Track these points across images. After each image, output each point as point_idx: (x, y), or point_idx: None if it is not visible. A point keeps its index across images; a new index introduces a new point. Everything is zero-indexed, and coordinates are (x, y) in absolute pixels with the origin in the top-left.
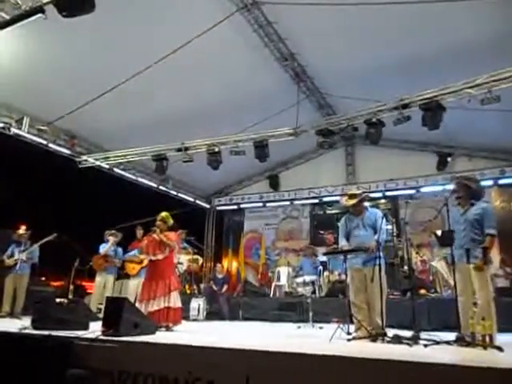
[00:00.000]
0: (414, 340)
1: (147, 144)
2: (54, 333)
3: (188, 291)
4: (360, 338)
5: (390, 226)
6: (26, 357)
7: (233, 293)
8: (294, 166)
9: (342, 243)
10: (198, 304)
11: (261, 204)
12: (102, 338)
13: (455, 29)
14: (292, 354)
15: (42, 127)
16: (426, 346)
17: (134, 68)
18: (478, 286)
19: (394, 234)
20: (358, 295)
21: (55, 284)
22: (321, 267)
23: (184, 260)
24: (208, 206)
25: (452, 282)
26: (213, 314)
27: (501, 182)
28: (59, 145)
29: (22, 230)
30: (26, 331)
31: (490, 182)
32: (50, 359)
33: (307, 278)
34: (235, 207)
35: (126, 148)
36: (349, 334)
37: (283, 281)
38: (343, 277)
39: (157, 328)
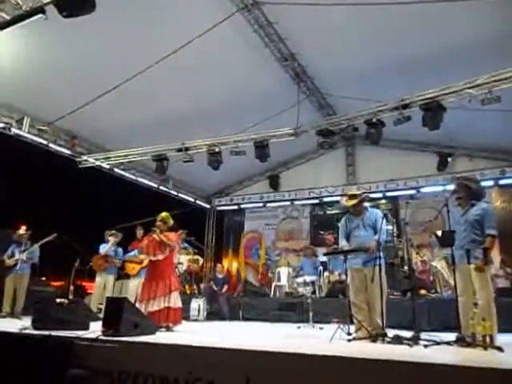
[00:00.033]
0: (415, 340)
1: (147, 144)
2: (55, 333)
3: (188, 291)
4: (360, 339)
5: (390, 227)
6: (26, 357)
7: (233, 293)
8: (295, 167)
9: (342, 243)
10: (198, 304)
11: (261, 204)
12: (102, 338)
13: (455, 29)
14: (292, 354)
15: (42, 127)
16: (426, 346)
17: (135, 68)
18: (478, 286)
19: (395, 235)
20: (358, 295)
21: (55, 284)
22: (321, 267)
23: (184, 260)
24: (208, 206)
25: (452, 283)
26: (213, 315)
27: (501, 182)
28: (60, 145)
29: (23, 230)
30: (27, 331)
31: (491, 183)
32: (51, 359)
33: (307, 279)
34: (235, 207)
35: (126, 148)
36: (349, 334)
37: (283, 281)
38: (343, 277)
39: (157, 328)
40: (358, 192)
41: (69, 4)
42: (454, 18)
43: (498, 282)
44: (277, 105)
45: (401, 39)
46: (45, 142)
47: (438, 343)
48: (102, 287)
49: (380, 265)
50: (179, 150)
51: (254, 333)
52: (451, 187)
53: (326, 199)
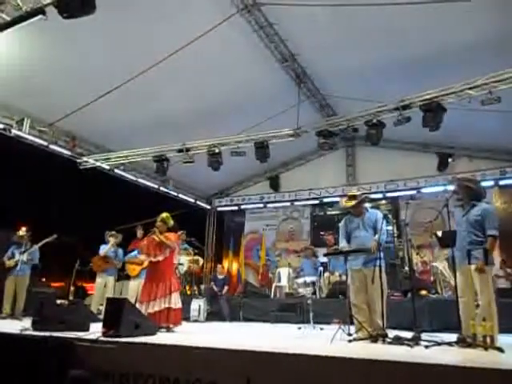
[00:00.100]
0: (415, 341)
1: (148, 145)
2: (55, 334)
3: (188, 292)
4: (361, 339)
5: (390, 227)
6: (26, 358)
7: (233, 294)
8: (295, 167)
9: (342, 244)
10: (198, 305)
11: (261, 205)
12: (102, 339)
13: (455, 29)
14: (292, 354)
15: (42, 128)
16: (426, 347)
17: (135, 69)
18: (479, 287)
19: (395, 235)
20: (359, 296)
21: (56, 285)
22: (321, 268)
23: (185, 261)
24: (209, 207)
25: (453, 283)
26: (213, 315)
27: (502, 182)
28: (60, 146)
29: (23, 231)
30: (27, 332)
31: (491, 183)
32: (51, 360)
33: (308, 279)
34: (236, 208)
35: (126, 149)
36: (349, 335)
37: (284, 282)
38: (344, 278)
39: (157, 329)
40: (358, 193)
41: (69, 5)
42: (454, 19)
43: (498, 283)
44: (277, 105)
45: (401, 40)
46: (45, 143)
47: (438, 344)
48: (102, 288)
49: (380, 265)
50: (180, 151)
51: (254, 333)
52: (451, 188)
53: (326, 200)
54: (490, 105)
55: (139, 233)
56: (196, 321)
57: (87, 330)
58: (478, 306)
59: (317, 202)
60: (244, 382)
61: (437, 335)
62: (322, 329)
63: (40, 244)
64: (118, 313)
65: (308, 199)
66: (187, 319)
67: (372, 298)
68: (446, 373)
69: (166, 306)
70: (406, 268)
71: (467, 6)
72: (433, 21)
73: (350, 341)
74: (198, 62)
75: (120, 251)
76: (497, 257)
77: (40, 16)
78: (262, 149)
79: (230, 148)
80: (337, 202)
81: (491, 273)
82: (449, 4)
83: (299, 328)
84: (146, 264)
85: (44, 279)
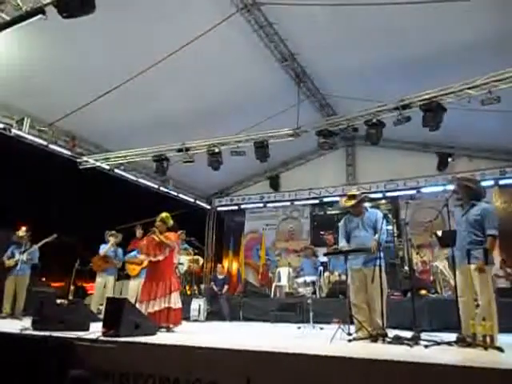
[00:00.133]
0: (415, 341)
1: (148, 145)
2: (55, 334)
3: (188, 292)
4: (361, 339)
5: (390, 227)
6: (26, 357)
7: (233, 293)
8: (295, 167)
9: (342, 244)
10: (198, 304)
11: (261, 204)
12: (102, 338)
13: (455, 29)
14: (292, 354)
15: (42, 128)
16: (426, 346)
17: (135, 68)
18: (479, 286)
19: (395, 235)
20: (359, 296)
21: (56, 285)
22: (321, 268)
23: (185, 261)
24: (208, 207)
25: (453, 283)
26: (213, 315)
27: (501, 182)
28: (60, 146)
29: (22, 231)
30: (27, 332)
31: (491, 183)
32: (51, 360)
33: (308, 279)
34: (236, 208)
35: (126, 149)
36: (349, 334)
37: (284, 281)
38: (344, 277)
39: (157, 329)
40: (357, 192)
41: (69, 5)
42: (454, 18)
43: (498, 283)
44: (277, 105)
45: (401, 40)
46: (45, 143)
47: (438, 343)
48: (102, 288)
49: (380, 265)
50: (179, 151)
51: (254, 333)
52: (451, 187)
53: (326, 199)
54: (490, 104)
55: (138, 232)
56: (196, 320)
57: (87, 329)
58: (477, 305)
59: (317, 201)
60: (244, 381)
61: (436, 335)
62: (321, 328)
63: (40, 244)
64: (117, 313)
65: (308, 199)
66: (187, 319)
67: (372, 298)
68: (445, 372)
69: (166, 305)
70: (406, 268)
71: (466, 6)
72: (432, 20)
73: (349, 340)
74: (197, 61)
75: (120, 251)
76: (497, 256)
77: (40, 16)
78: (261, 148)
79: (230, 148)
80: (337, 202)
81: (491, 272)
82: (448, 4)
83: (299, 327)
84: (145, 264)
85: (44, 279)
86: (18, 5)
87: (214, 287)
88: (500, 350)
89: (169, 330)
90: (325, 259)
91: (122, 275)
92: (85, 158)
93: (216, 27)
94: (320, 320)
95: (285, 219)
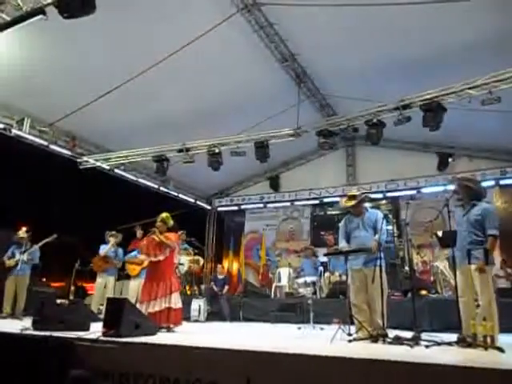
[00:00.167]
0: (415, 341)
1: (148, 145)
2: (55, 334)
3: (189, 292)
4: (361, 339)
5: (390, 227)
6: (26, 358)
7: (233, 293)
8: (295, 167)
9: (342, 244)
10: (198, 305)
11: (261, 205)
12: (102, 338)
13: (456, 29)
14: (293, 354)
15: (42, 128)
16: (427, 346)
17: (135, 69)
18: (479, 287)
19: (395, 235)
20: (359, 296)
21: (56, 285)
22: (321, 268)
23: (185, 261)
24: (209, 207)
25: (453, 283)
26: (213, 315)
27: (502, 182)
28: (60, 146)
29: (23, 231)
30: (27, 332)
31: (492, 183)
32: (51, 360)
33: (308, 279)
34: (236, 208)
35: (126, 149)
36: (350, 334)
37: (284, 281)
38: (344, 278)
39: (157, 329)
40: (358, 193)
41: (69, 5)
42: (454, 19)
43: (498, 283)
44: (277, 105)
45: (401, 40)
46: (45, 143)
47: (438, 344)
48: (102, 288)
49: (380, 265)
50: (180, 151)
51: (254, 333)
52: (452, 187)
53: (326, 200)
54: (490, 105)
55: (138, 233)
56: (196, 321)
57: (87, 329)
58: (478, 305)
59: (317, 201)
60: (244, 381)
61: (437, 335)
62: (322, 329)
63: (40, 244)
64: (118, 313)
65: (308, 199)
66: (187, 319)
67: (372, 298)
68: (446, 373)
69: (167, 305)
70: (407, 268)
71: (467, 6)
72: (433, 21)
73: (350, 341)
74: (197, 62)
75: (120, 251)
76: (497, 257)
77: (40, 16)
78: (261, 149)
79: (230, 148)
80: (337, 202)
81: (491, 273)
82: (449, 4)
83: (299, 328)
84: (146, 264)
85: (44, 279)
86: (19, 5)
87: (215, 287)
88: (500, 350)
89: (169, 330)
90: (325, 259)
91: (123, 275)
92: (85, 158)
93: (216, 27)
94: (320, 320)
95: (285, 219)
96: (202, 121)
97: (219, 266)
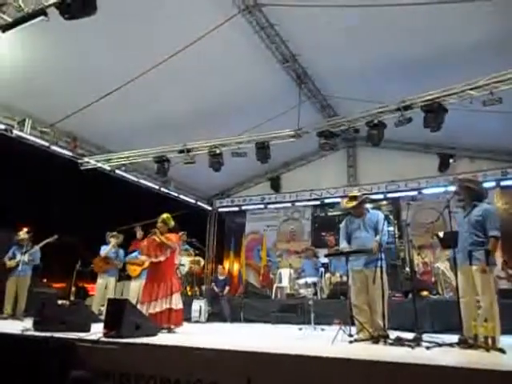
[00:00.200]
0: (416, 342)
1: (149, 146)
2: (56, 334)
3: (189, 293)
4: (362, 340)
5: (391, 228)
6: (27, 358)
7: (234, 294)
8: (296, 168)
9: (343, 245)
10: (199, 306)
11: (262, 206)
12: (103, 339)
13: (457, 30)
14: (293, 355)
15: (44, 129)
16: (428, 348)
17: (136, 70)
18: (480, 288)
19: (396, 236)
20: (360, 297)
21: (57, 286)
22: (322, 269)
23: (186, 262)
24: (210, 208)
25: (455, 284)
26: (214, 316)
27: (503, 183)
28: (61, 147)
29: (24, 232)
30: (28, 333)
31: (493, 184)
32: (52, 361)
33: (309, 280)
34: (237, 209)
35: (127, 150)
36: (350, 335)
37: (285, 282)
38: (345, 278)
39: (158, 330)
40: (358, 194)
41: (70, 6)
42: (456, 19)
43: (500, 284)
44: (278, 106)
45: (402, 40)
46: (46, 144)
47: (439, 345)
48: (103, 289)
49: (381, 266)
50: (181, 152)
51: (255, 334)
52: (453, 188)
53: (327, 200)
54: (492, 105)
55: (139, 234)
56: (197, 322)
57: (88, 330)
58: (479, 306)
59: (318, 202)
60: (245, 382)
61: (438, 336)
62: (323, 330)
63: (41, 244)
64: (119, 314)
65: (309, 200)
66: (188, 320)
67: (373, 299)
68: (447, 374)
69: (167, 306)
70: (407, 269)
71: (469, 7)
72: (434, 21)
73: (350, 342)
74: (199, 62)
75: (121, 252)
76: (498, 258)
77: (42, 17)
78: (262, 149)
79: (231, 149)
80: (338, 203)
81: (493, 273)
82: (450, 4)
83: (300, 329)
84: (146, 265)
85: (45, 280)
86: (20, 6)
87: (215, 288)
88: (502, 351)
89: (170, 330)
90: (326, 260)
91: (123, 276)
92: (86, 159)
93: (217, 28)
94: (321, 321)
95: (286, 220)
96: (202, 121)
97: (220, 266)
